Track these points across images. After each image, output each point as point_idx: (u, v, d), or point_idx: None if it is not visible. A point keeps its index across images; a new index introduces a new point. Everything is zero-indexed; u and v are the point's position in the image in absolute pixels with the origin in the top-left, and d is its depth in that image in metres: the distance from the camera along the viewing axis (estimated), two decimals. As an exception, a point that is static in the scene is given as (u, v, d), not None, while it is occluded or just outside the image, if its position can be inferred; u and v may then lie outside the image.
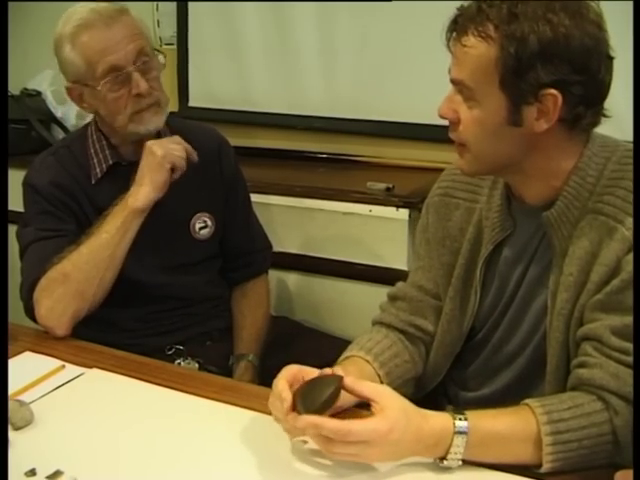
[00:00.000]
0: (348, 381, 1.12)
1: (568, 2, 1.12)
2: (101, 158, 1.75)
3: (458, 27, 1.16)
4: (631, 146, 1.24)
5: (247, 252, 1.97)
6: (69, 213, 1.73)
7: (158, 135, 1.76)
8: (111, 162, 1.75)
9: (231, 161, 1.92)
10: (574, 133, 1.19)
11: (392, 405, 1.08)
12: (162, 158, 1.64)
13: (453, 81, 1.20)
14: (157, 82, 1.71)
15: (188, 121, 1.97)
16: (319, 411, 1.09)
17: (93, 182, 1.75)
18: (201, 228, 1.83)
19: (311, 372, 1.17)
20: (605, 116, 1.20)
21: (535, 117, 1.15)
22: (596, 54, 1.13)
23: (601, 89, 1.17)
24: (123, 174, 1.74)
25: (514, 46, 1.10)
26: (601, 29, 1.14)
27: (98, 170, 1.75)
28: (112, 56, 1.63)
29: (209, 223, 1.84)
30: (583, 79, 1.13)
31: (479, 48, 1.13)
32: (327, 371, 1.17)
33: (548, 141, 1.18)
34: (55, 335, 1.60)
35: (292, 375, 1.16)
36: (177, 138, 1.70)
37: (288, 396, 1.12)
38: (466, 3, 1.17)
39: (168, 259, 1.80)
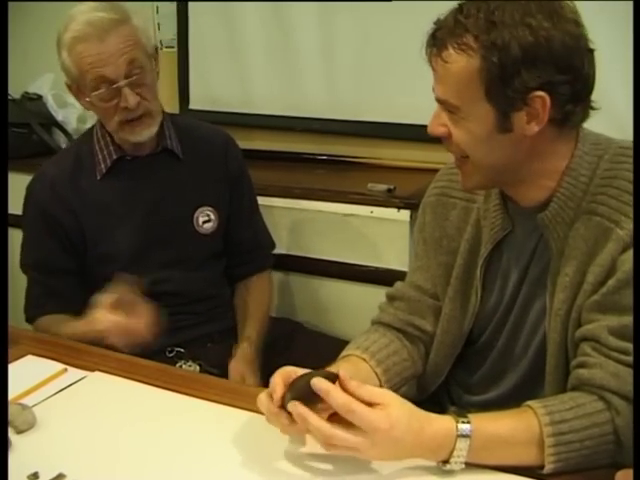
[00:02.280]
0: (351, 385, 1.08)
1: (544, 3, 1.11)
2: (105, 154, 1.79)
3: (437, 42, 1.15)
4: (624, 143, 1.24)
5: (251, 249, 1.99)
6: (62, 217, 1.77)
7: (162, 136, 1.80)
8: (115, 157, 1.78)
9: (237, 158, 1.96)
10: (564, 131, 1.19)
11: (395, 404, 1.07)
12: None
13: (438, 100, 1.19)
14: (150, 92, 1.72)
15: (196, 120, 2.00)
16: (305, 401, 1.08)
17: (99, 178, 1.78)
18: (204, 222, 1.86)
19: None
20: (593, 109, 1.19)
21: (525, 121, 1.14)
22: (578, 51, 1.13)
23: (587, 84, 1.16)
24: (127, 168, 1.80)
25: (496, 55, 1.09)
26: (579, 25, 1.14)
27: (103, 166, 1.79)
28: (103, 69, 1.65)
29: (212, 217, 1.86)
30: (569, 78, 1.13)
31: (460, 62, 1.12)
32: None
33: (540, 143, 1.18)
34: None
35: (287, 374, 1.15)
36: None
37: (280, 390, 1.12)
38: (446, 13, 1.15)
39: (171, 253, 1.82)
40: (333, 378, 1.10)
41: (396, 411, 1.06)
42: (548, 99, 1.12)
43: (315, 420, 1.06)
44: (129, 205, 1.79)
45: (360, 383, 1.10)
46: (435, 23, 1.16)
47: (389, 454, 1.08)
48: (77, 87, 1.73)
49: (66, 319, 1.69)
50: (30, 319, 1.82)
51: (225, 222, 1.90)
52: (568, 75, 1.12)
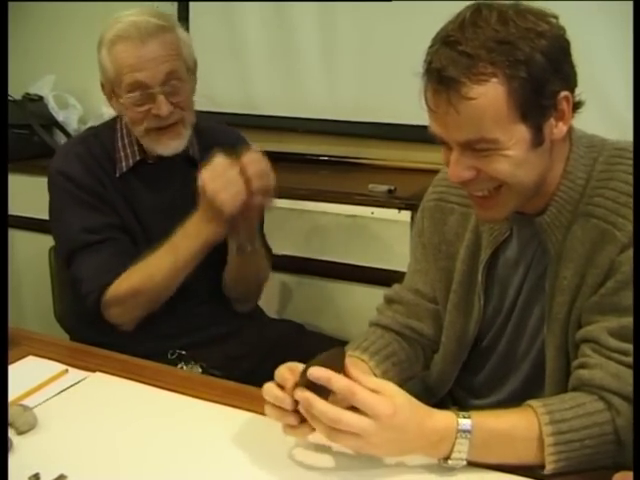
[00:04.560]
0: (355, 373, 1.08)
1: (527, 8, 1.11)
2: (128, 153, 1.78)
3: (451, 81, 1.07)
4: (618, 144, 1.23)
5: None
6: (106, 203, 1.74)
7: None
8: (138, 158, 1.77)
9: None
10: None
11: (397, 394, 1.07)
12: (217, 207, 1.57)
13: (465, 143, 1.12)
14: (185, 103, 1.71)
15: (212, 122, 1.97)
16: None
17: (117, 175, 1.77)
18: None
19: None
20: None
21: (554, 125, 1.14)
22: (568, 41, 1.14)
23: (575, 68, 1.16)
24: (148, 172, 1.79)
25: (524, 70, 1.07)
26: (555, 17, 1.14)
27: (124, 164, 1.78)
28: (140, 73, 1.64)
29: None
30: (573, 68, 1.14)
31: (487, 93, 1.07)
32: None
33: (556, 145, 1.18)
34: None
35: (294, 368, 1.14)
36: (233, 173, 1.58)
37: (291, 382, 1.10)
38: (436, 52, 1.10)
39: None
40: (339, 355, 1.10)
41: (399, 399, 1.06)
42: (570, 95, 1.13)
43: (321, 404, 1.05)
44: (145, 208, 1.78)
45: (363, 374, 1.10)
46: (432, 64, 1.10)
47: (391, 445, 1.07)
48: (111, 88, 1.72)
49: (141, 264, 1.66)
50: (98, 296, 1.68)
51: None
52: (572, 66, 1.14)
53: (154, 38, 1.64)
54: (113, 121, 1.85)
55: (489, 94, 1.07)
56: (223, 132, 1.96)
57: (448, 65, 1.08)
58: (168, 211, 1.75)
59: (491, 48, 1.07)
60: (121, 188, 1.77)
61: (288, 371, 1.13)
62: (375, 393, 1.05)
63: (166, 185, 1.79)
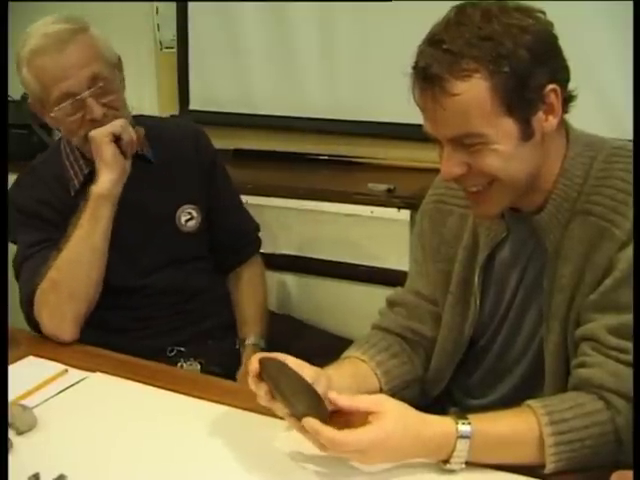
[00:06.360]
0: (344, 400, 1.10)
1: (514, 5, 1.12)
2: (77, 169, 1.75)
3: (435, 79, 1.10)
4: (617, 143, 1.23)
5: (236, 238, 1.96)
6: (53, 225, 1.72)
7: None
8: (86, 171, 1.73)
9: (207, 150, 1.91)
10: (559, 125, 1.19)
11: (389, 412, 1.08)
12: (99, 137, 1.61)
13: (452, 139, 1.14)
14: (117, 102, 1.67)
15: (162, 119, 1.94)
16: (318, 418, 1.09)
17: (72, 194, 1.74)
18: (187, 220, 1.82)
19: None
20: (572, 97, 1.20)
21: (544, 119, 1.14)
22: (556, 36, 1.15)
23: (567, 65, 1.17)
24: None
25: (506, 65, 1.08)
26: (543, 13, 1.14)
27: (76, 181, 1.75)
28: (65, 83, 1.60)
29: (194, 214, 1.82)
30: (562, 62, 1.15)
31: (471, 88, 1.09)
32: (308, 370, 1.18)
33: (548, 139, 1.18)
34: (63, 341, 1.62)
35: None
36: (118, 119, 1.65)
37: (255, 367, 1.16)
38: (422, 51, 1.13)
39: (158, 255, 1.80)
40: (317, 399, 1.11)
41: (391, 419, 1.07)
42: (558, 88, 1.13)
43: (326, 434, 1.07)
44: None
45: (351, 397, 1.11)
46: (419, 64, 1.13)
47: (388, 459, 1.10)
48: (41, 104, 1.67)
49: (55, 255, 1.64)
50: (28, 301, 1.66)
51: (207, 217, 1.86)
52: (561, 60, 1.15)
53: (70, 44, 1.61)
54: (57, 143, 1.83)
55: (473, 89, 1.09)
56: (176, 125, 1.94)
57: (432, 63, 1.10)
58: (126, 211, 1.71)
59: (474, 45, 1.08)
60: (78, 207, 1.69)
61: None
62: (362, 428, 1.06)
63: (124, 187, 1.70)
